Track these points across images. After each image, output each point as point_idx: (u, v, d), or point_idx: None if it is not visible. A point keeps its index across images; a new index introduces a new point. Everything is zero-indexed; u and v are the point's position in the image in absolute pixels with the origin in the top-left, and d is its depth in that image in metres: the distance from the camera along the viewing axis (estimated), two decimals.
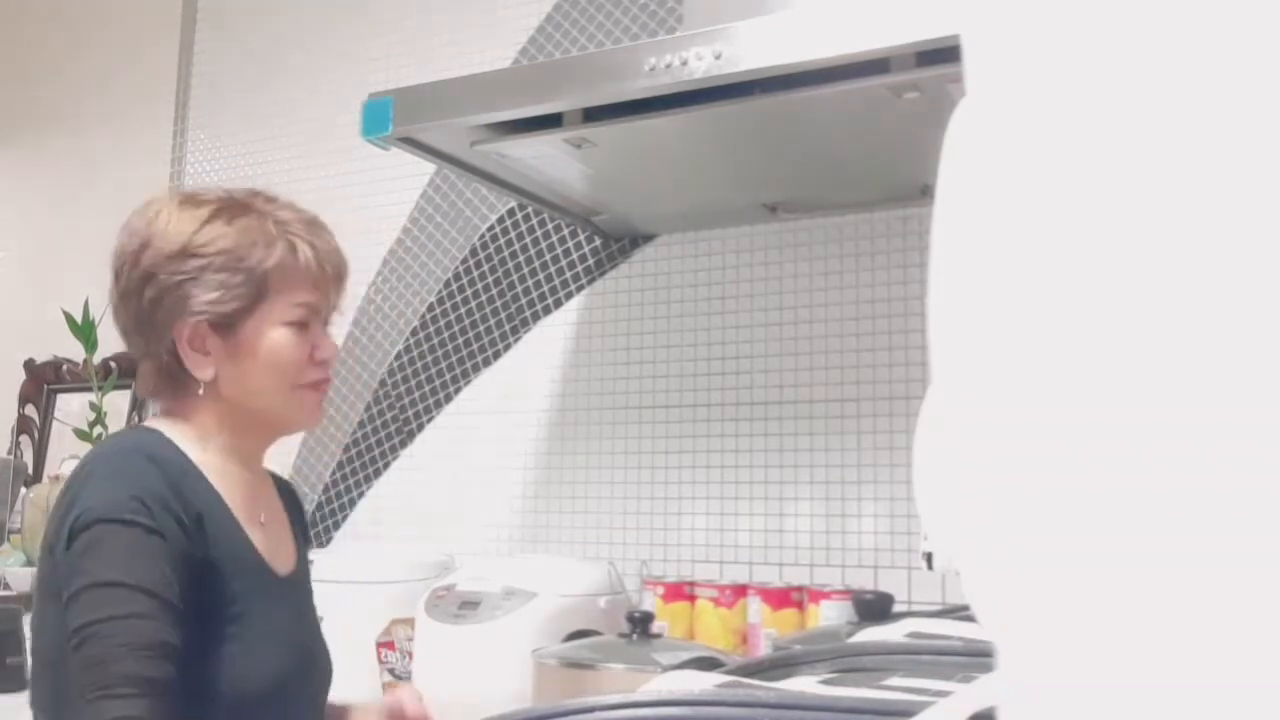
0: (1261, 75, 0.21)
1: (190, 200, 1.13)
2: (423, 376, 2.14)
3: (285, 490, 1.28)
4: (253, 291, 1.09)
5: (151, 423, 1.14)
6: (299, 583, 1.19)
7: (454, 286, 2.13)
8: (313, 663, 1.15)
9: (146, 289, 1.09)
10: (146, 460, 1.04)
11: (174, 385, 1.13)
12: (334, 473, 2.20)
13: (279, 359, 1.11)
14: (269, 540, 1.14)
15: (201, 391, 1.11)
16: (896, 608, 1.42)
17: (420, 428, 2.13)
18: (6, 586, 2.15)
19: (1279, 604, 0.21)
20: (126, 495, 1.00)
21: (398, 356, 2.16)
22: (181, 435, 1.10)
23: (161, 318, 1.09)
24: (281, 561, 1.15)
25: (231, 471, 1.12)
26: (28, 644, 1.72)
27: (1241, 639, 0.21)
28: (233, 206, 1.13)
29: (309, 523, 1.31)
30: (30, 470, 2.54)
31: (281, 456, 2.10)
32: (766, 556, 1.77)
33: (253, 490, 1.15)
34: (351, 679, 1.32)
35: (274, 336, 1.11)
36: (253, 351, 1.10)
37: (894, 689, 0.46)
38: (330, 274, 1.15)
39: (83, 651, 0.96)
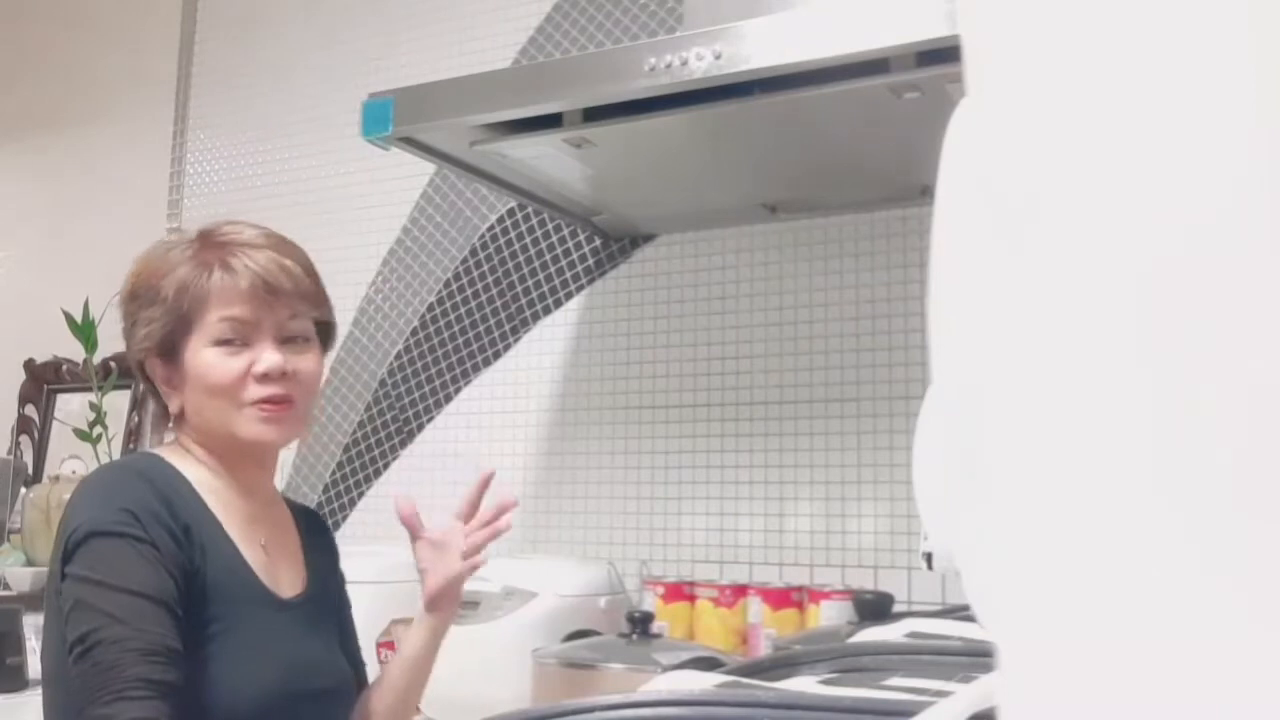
0: (1261, 77, 0.21)
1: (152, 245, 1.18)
2: (423, 376, 2.14)
3: (307, 520, 1.27)
4: (173, 319, 1.11)
5: (154, 449, 1.18)
6: (307, 605, 1.17)
7: (454, 286, 2.13)
8: (311, 685, 1.12)
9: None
10: (136, 476, 1.07)
11: (166, 418, 1.19)
12: (334, 473, 2.20)
13: (208, 379, 1.10)
14: (270, 563, 1.14)
15: (175, 424, 1.17)
16: (896, 608, 1.42)
17: (420, 428, 2.13)
18: (6, 586, 2.15)
19: (1277, 605, 0.21)
20: (117, 508, 1.02)
21: (398, 356, 2.16)
22: (177, 459, 1.13)
23: (131, 358, 1.17)
24: (286, 586, 1.15)
25: (227, 495, 1.13)
26: (28, 644, 1.73)
27: (1243, 640, 0.21)
28: (170, 243, 1.16)
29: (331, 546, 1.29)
30: (30, 470, 2.54)
31: (281, 455, 2.10)
32: (766, 556, 1.77)
33: (251, 515, 1.15)
34: None
35: (202, 357, 1.10)
36: (190, 377, 1.12)
37: (894, 689, 0.46)
38: (247, 288, 1.10)
39: (91, 657, 0.96)
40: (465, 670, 1.55)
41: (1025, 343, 0.25)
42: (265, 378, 1.10)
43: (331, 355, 1.26)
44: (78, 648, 0.97)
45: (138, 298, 1.14)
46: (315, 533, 1.27)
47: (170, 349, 1.12)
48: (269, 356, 1.10)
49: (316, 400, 1.19)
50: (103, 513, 1.02)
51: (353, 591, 1.28)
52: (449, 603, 1.22)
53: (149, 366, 1.15)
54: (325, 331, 1.20)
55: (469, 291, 2.11)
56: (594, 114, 1.42)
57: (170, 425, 1.18)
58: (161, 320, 1.12)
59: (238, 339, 1.10)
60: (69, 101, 2.78)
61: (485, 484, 1.26)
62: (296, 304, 1.13)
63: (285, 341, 1.13)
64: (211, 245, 1.12)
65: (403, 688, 1.21)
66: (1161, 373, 0.22)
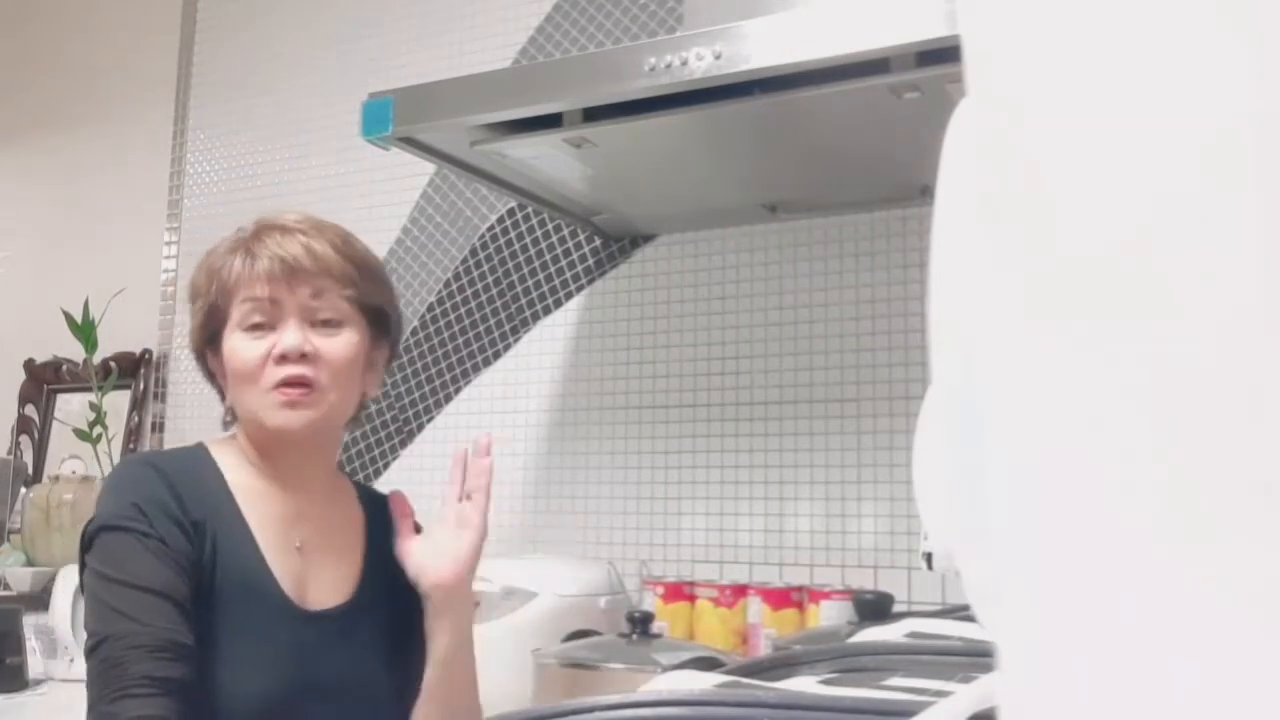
0: (1263, 78, 0.21)
1: None
2: (423, 376, 2.14)
3: (381, 517, 1.20)
4: (208, 309, 1.12)
5: (209, 440, 1.16)
6: (342, 617, 1.11)
7: (454, 286, 2.13)
8: (321, 703, 1.06)
9: None
10: (151, 469, 1.06)
11: (227, 412, 1.19)
12: None
13: (233, 364, 1.09)
14: (303, 568, 1.10)
15: (230, 417, 1.17)
16: (896, 608, 1.42)
17: (420, 428, 2.13)
18: (6, 586, 2.15)
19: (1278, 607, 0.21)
20: (127, 502, 1.03)
21: (397, 356, 2.16)
22: (224, 454, 1.12)
23: (194, 354, 1.19)
24: (320, 594, 1.10)
25: (266, 493, 1.11)
26: (28, 644, 1.73)
27: (1243, 642, 0.21)
28: (228, 236, 1.16)
29: None
30: (30, 470, 2.54)
31: None
32: (766, 556, 1.77)
33: (289, 515, 1.11)
34: None
35: (230, 343, 1.10)
36: (226, 366, 1.11)
37: (894, 689, 0.46)
38: (264, 269, 1.08)
39: (99, 653, 0.97)
40: None
41: (1024, 342, 0.25)
42: (283, 359, 1.07)
43: (397, 341, 1.23)
44: (88, 642, 0.99)
45: (191, 291, 1.16)
46: (389, 532, 1.19)
47: (214, 339, 1.13)
48: (287, 337, 1.07)
49: (352, 384, 1.13)
50: (114, 507, 1.03)
51: None
52: (451, 596, 1.14)
53: (209, 361, 1.15)
54: (376, 316, 1.15)
55: (469, 291, 2.11)
56: (594, 114, 1.42)
57: (230, 419, 1.18)
58: (202, 312, 1.13)
59: (265, 322, 1.09)
60: (69, 102, 2.78)
61: (485, 450, 1.20)
62: (319, 282, 1.10)
63: (316, 324, 1.10)
64: (249, 234, 1.13)
65: (441, 696, 1.14)
66: (1162, 371, 0.22)
